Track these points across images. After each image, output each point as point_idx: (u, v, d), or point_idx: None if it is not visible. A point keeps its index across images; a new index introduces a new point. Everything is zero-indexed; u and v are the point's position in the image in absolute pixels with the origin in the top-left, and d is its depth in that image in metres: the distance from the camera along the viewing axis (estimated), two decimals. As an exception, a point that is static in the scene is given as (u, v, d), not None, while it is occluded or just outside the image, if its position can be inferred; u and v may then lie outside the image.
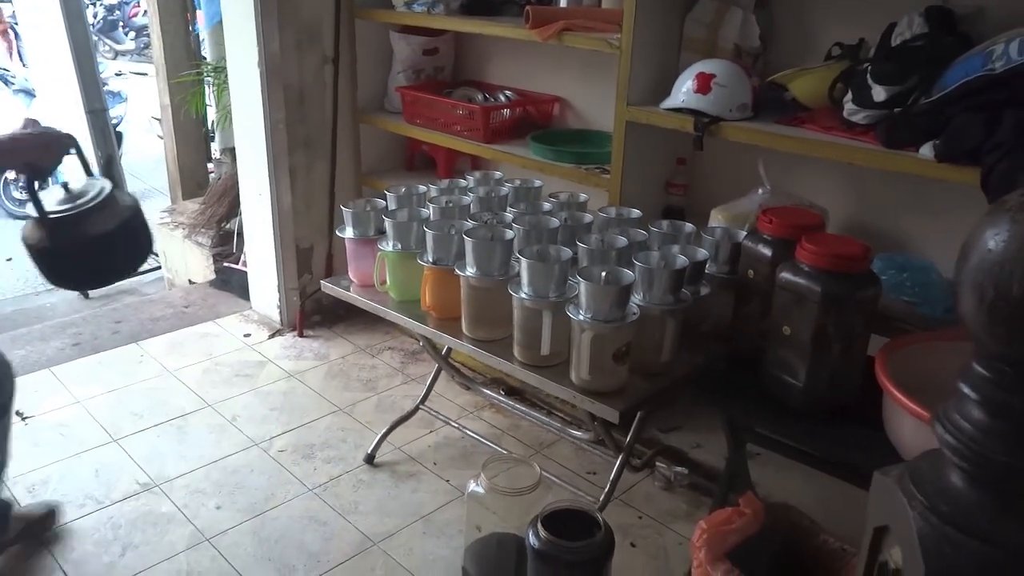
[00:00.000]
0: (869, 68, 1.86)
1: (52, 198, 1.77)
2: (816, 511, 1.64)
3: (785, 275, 1.62)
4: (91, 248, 1.75)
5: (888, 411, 1.47)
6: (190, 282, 4.10)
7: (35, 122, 1.84)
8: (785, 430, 1.69)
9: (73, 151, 1.81)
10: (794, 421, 1.66)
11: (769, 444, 1.81)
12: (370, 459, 2.54)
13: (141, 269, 2.13)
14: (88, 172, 1.85)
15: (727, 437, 1.89)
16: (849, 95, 1.90)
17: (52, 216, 1.72)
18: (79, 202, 1.75)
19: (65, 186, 1.79)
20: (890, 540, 0.99)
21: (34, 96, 5.86)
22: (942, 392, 0.98)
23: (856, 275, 1.58)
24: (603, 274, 1.72)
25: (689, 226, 2.01)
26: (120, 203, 1.80)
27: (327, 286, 2.28)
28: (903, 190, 2.09)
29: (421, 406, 2.63)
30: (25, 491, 2.37)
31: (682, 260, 1.79)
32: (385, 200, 2.23)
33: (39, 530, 2.18)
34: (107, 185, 1.80)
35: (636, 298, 1.74)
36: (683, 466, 2.45)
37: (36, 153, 1.74)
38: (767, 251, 1.76)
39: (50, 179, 1.83)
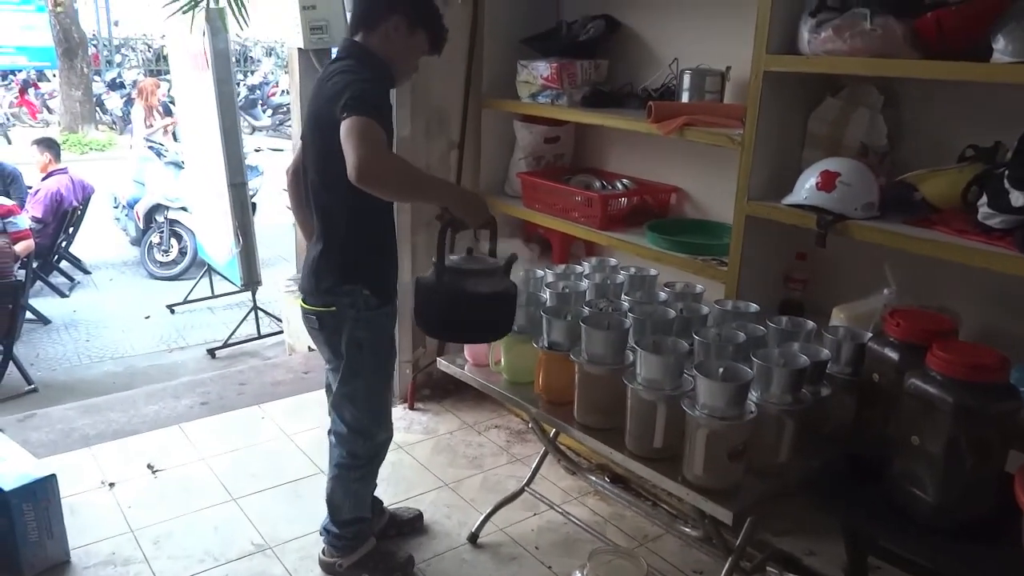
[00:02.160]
0: (1007, 172, 1.80)
1: (454, 255, 2.05)
2: (946, 637, 1.53)
3: (914, 382, 1.56)
4: (461, 301, 1.96)
5: (1030, 536, 1.38)
6: (309, 348, 4.29)
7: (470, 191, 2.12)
8: (911, 545, 1.60)
9: (488, 229, 2.07)
10: (921, 536, 1.57)
11: (893, 559, 1.71)
12: (473, 538, 2.55)
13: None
14: (493, 253, 2.08)
15: (847, 549, 1.80)
16: (984, 199, 1.85)
17: (448, 264, 1.98)
18: (472, 264, 2.01)
19: (469, 251, 2.07)
20: None
21: (182, 168, 6.40)
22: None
23: (993, 386, 1.51)
24: (721, 370, 1.71)
25: (810, 324, 1.97)
26: (502, 281, 2.01)
27: (443, 363, 2.35)
28: (1044, 297, 1.99)
29: (526, 488, 2.63)
30: (151, 543, 2.50)
31: (803, 359, 1.75)
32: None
33: (407, 528, 2.60)
34: (500, 264, 2.03)
35: (753, 396, 1.72)
36: (796, 573, 2.34)
37: (464, 208, 1.99)
38: (894, 355, 1.71)
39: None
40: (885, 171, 2.18)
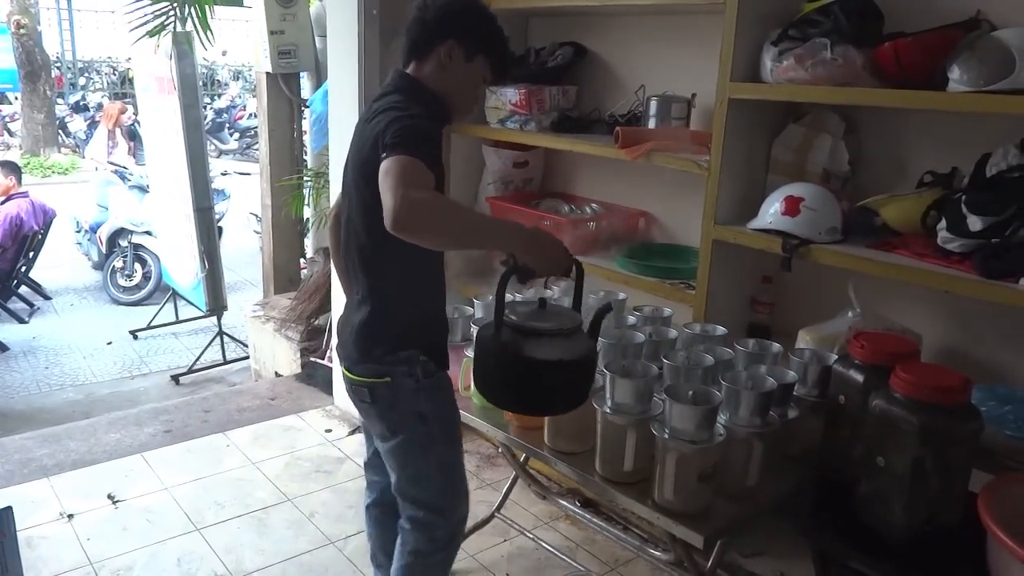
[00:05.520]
0: (964, 198, 1.85)
1: (524, 307, 1.72)
2: (915, 658, 1.54)
3: (879, 403, 1.58)
4: (524, 368, 1.62)
5: (995, 556, 1.40)
6: (276, 374, 4.24)
7: (543, 232, 1.69)
8: (880, 566, 1.61)
9: (571, 278, 1.73)
10: (890, 557, 1.58)
11: (862, 580, 1.72)
12: (443, 565, 2.51)
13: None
14: (577, 306, 1.75)
15: (816, 570, 1.81)
16: (943, 223, 1.89)
17: (509, 322, 1.65)
18: (542, 321, 1.65)
19: (543, 301, 1.72)
20: None
21: (147, 192, 6.32)
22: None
23: (955, 407, 1.53)
24: (690, 393, 1.72)
25: (776, 346, 1.99)
26: (579, 344, 1.66)
27: (412, 388, 2.32)
28: (1003, 319, 2.03)
29: (497, 514, 2.61)
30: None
31: (770, 382, 1.77)
32: (472, 307, 2.30)
33: None
34: (579, 321, 1.68)
35: (722, 418, 1.73)
36: (766, 595, 2.34)
37: (532, 253, 1.62)
38: (859, 377, 1.73)
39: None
40: (847, 196, 2.23)
